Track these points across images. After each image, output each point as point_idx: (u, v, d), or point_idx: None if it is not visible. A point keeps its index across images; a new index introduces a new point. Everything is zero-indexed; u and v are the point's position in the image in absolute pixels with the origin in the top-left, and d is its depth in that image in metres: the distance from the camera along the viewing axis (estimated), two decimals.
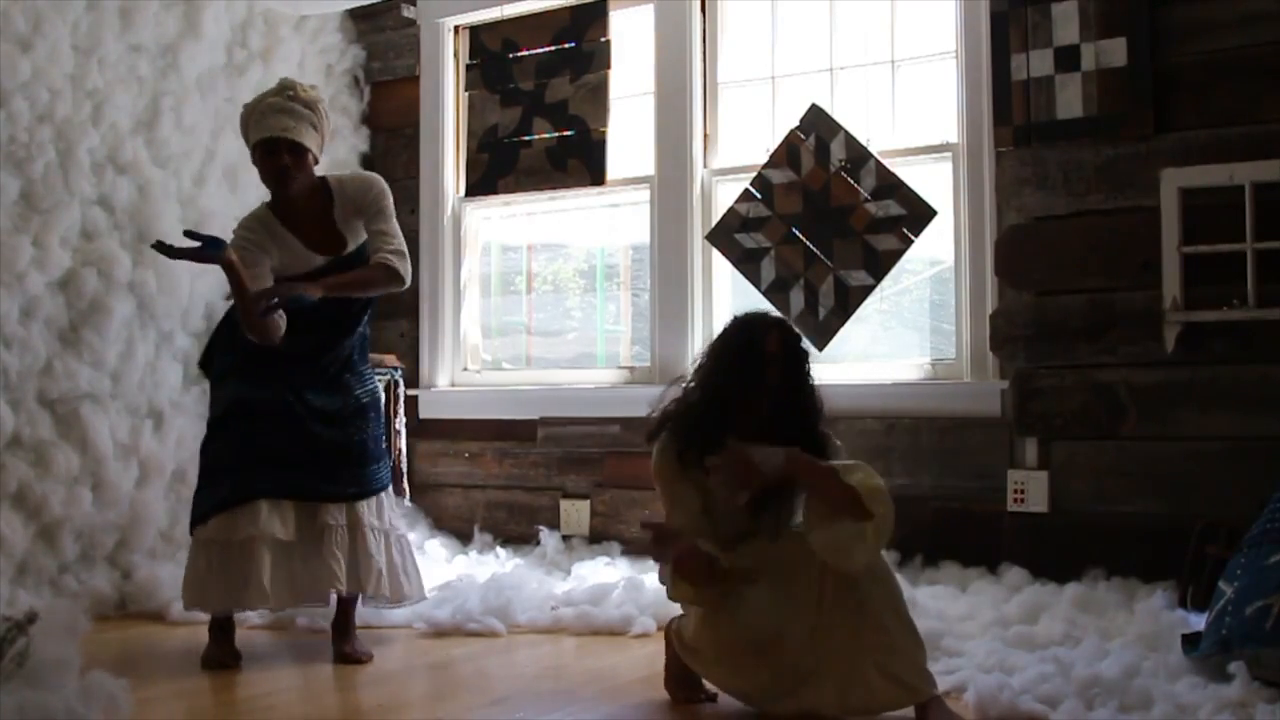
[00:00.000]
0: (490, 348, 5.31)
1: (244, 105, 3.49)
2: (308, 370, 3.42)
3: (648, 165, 4.77)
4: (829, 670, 2.63)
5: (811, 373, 2.81)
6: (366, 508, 3.44)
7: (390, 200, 3.47)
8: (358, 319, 3.50)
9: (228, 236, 4.71)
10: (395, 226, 3.46)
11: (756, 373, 2.75)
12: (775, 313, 2.98)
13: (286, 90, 3.38)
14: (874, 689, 2.60)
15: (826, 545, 2.58)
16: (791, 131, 4.38)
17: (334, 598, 3.42)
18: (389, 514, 3.53)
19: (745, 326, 2.82)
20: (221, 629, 3.37)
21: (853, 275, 4.24)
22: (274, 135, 3.33)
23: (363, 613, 3.57)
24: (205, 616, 3.83)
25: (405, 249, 3.43)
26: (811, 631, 2.65)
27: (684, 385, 2.87)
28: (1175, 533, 3.52)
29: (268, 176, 3.41)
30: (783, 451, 2.62)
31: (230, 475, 3.34)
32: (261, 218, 3.47)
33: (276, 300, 3.23)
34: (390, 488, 3.58)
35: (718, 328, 4.53)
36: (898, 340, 4.54)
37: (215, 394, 3.55)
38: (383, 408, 3.69)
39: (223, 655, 3.32)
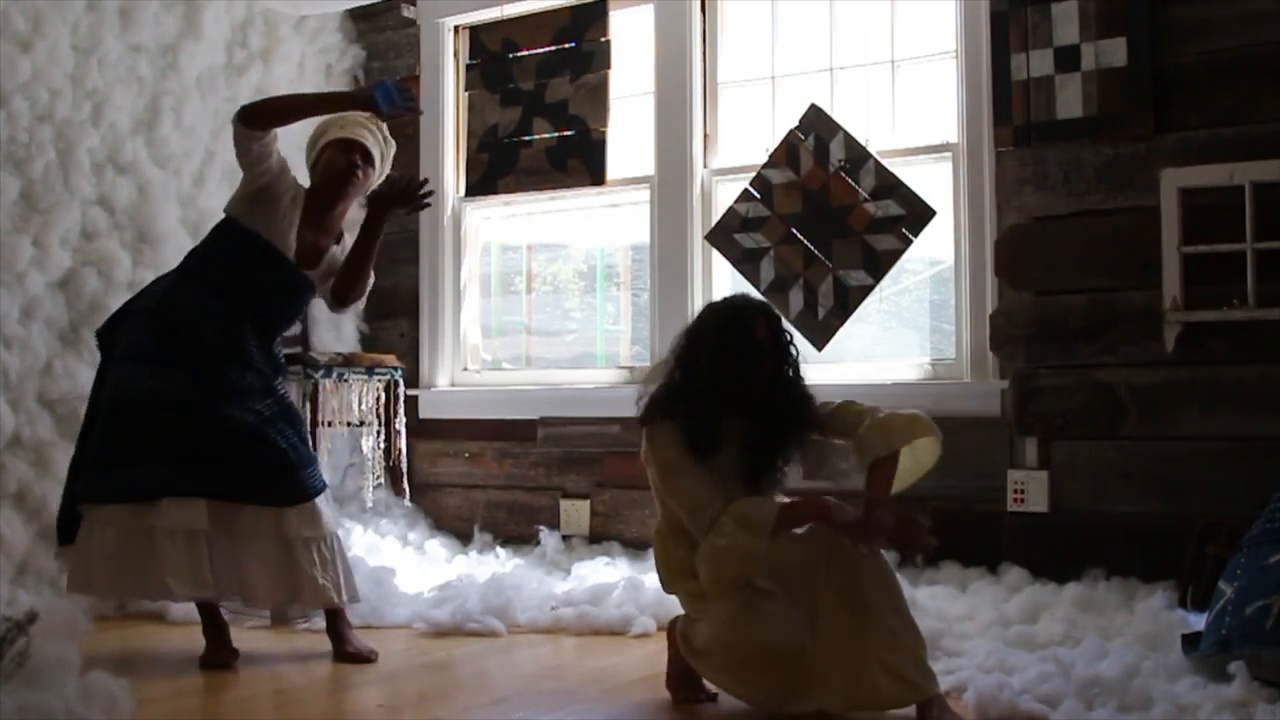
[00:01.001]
0: (490, 348, 5.31)
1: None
2: (220, 370, 3.29)
3: (648, 165, 4.77)
4: (834, 669, 2.63)
5: (797, 354, 2.83)
6: (296, 516, 3.28)
7: None
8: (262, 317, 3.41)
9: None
10: None
11: (752, 361, 2.76)
12: (754, 295, 2.97)
13: (372, 121, 3.43)
14: (879, 687, 2.61)
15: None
16: (791, 131, 4.38)
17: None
18: (326, 520, 3.36)
19: (734, 313, 2.82)
20: (216, 628, 3.36)
21: (852, 275, 4.24)
22: (356, 138, 3.37)
23: (363, 613, 3.56)
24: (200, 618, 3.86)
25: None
26: (815, 632, 2.65)
27: (668, 370, 2.85)
28: (1175, 533, 3.52)
29: (334, 171, 3.37)
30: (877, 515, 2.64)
31: (134, 467, 3.19)
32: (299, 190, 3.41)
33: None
34: (326, 492, 3.41)
35: None
36: (898, 340, 4.54)
37: (119, 371, 3.33)
38: (296, 412, 3.52)
39: (221, 655, 3.32)
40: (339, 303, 3.50)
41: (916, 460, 2.85)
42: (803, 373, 2.84)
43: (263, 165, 3.29)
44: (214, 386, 3.26)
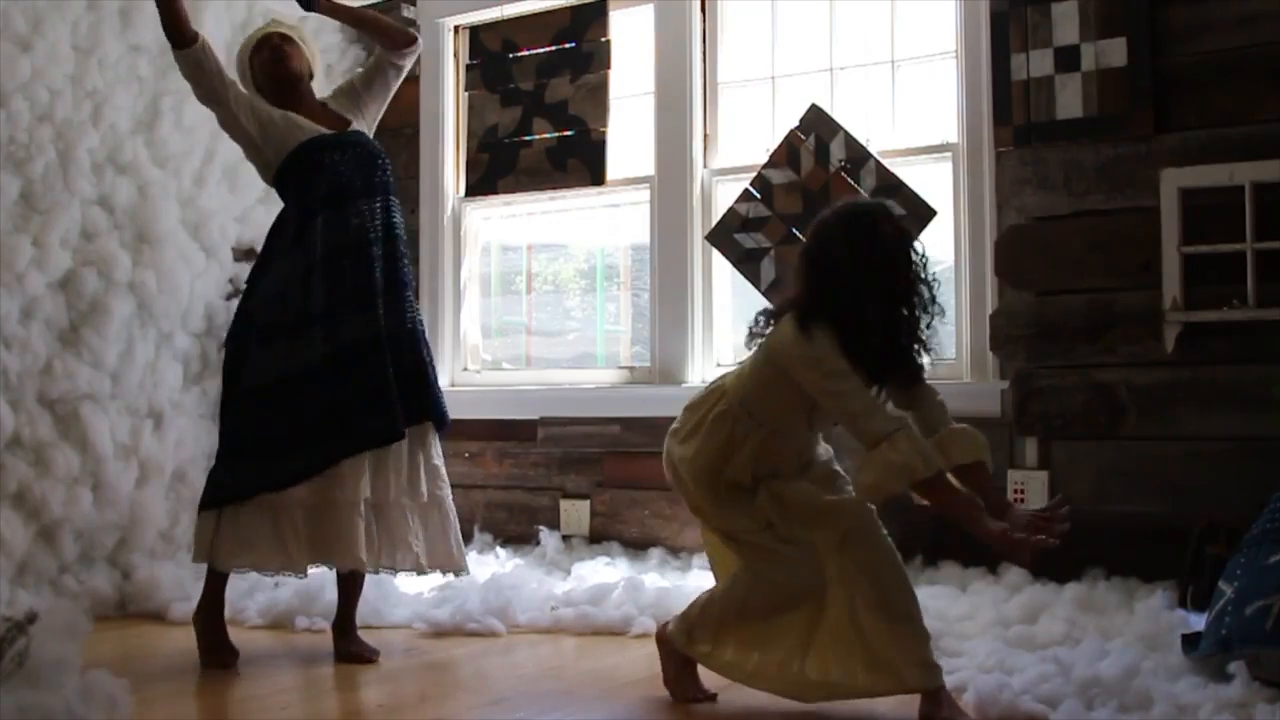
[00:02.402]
0: (490, 348, 5.31)
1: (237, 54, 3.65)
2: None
3: (648, 165, 4.77)
4: (825, 649, 2.74)
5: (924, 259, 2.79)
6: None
7: None
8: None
9: (229, 237, 4.76)
10: None
11: (886, 259, 2.70)
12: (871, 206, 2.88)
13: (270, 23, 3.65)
14: (857, 674, 2.70)
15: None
16: (791, 131, 4.38)
17: (335, 599, 3.43)
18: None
19: (858, 214, 2.76)
20: (215, 630, 3.35)
21: None
22: (264, 34, 3.57)
23: (363, 613, 3.57)
24: None
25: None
26: (817, 605, 2.76)
27: (803, 278, 2.77)
28: (1175, 533, 3.52)
29: (265, 68, 3.53)
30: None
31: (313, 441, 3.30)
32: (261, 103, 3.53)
33: None
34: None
35: (718, 327, 4.61)
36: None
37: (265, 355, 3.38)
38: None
39: (222, 655, 3.31)
40: (395, 53, 3.64)
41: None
42: (929, 286, 2.78)
43: (209, 75, 3.45)
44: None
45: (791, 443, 2.85)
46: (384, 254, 3.44)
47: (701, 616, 2.87)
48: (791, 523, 2.80)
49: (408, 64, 3.68)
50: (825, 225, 2.78)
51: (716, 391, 2.88)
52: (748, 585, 2.81)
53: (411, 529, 3.41)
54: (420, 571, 3.47)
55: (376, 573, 3.46)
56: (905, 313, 2.74)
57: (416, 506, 3.44)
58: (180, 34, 3.44)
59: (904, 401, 2.82)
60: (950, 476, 2.67)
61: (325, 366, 3.32)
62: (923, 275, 2.76)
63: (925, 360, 2.84)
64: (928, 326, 2.78)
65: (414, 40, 3.66)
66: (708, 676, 2.91)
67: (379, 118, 3.70)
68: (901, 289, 2.73)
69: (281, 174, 3.47)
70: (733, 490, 2.82)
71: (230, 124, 3.47)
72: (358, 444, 3.30)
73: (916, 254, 2.76)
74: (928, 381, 2.87)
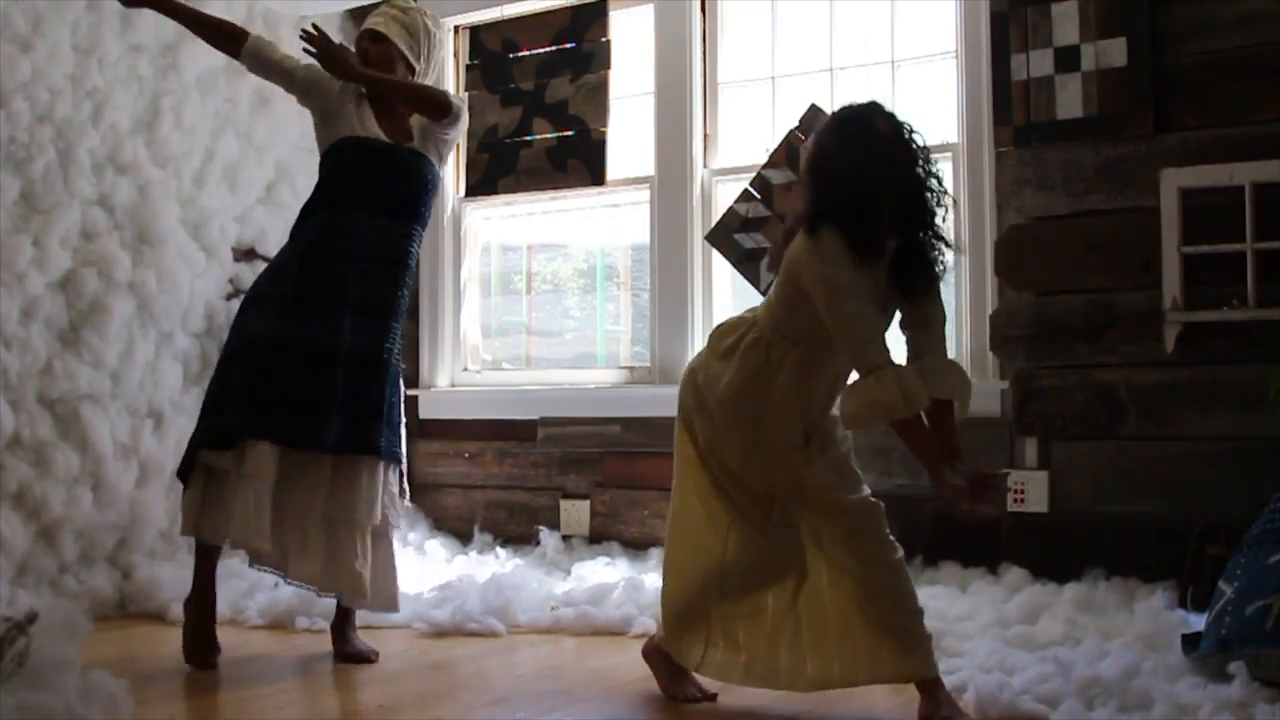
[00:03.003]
0: (490, 348, 5.31)
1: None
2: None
3: (648, 165, 4.77)
4: (824, 640, 2.78)
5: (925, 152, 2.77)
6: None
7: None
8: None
9: (229, 237, 4.76)
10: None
11: (884, 155, 2.69)
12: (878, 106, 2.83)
13: (397, 2, 3.53)
14: (858, 665, 2.75)
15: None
16: (791, 132, 4.38)
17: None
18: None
19: (850, 116, 2.76)
20: (202, 623, 3.33)
21: None
22: (365, 28, 3.50)
23: (362, 613, 3.57)
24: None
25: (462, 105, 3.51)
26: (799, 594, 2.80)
27: (808, 188, 2.77)
28: (1175, 533, 3.52)
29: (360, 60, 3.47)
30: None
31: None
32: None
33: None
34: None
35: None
36: (897, 340, 4.53)
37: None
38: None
39: (206, 653, 3.29)
40: (439, 120, 3.44)
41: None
42: (938, 180, 2.76)
43: (285, 66, 3.48)
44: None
45: (828, 366, 2.78)
46: (384, 277, 3.39)
47: (684, 612, 2.86)
48: (797, 503, 2.80)
49: (453, 135, 3.51)
50: (822, 132, 2.80)
51: (746, 322, 2.85)
52: (726, 560, 2.80)
53: (359, 554, 3.32)
54: (358, 601, 3.39)
55: (319, 595, 3.41)
56: (914, 206, 2.71)
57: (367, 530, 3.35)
58: (226, 49, 3.50)
59: (919, 319, 2.78)
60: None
61: (275, 345, 3.29)
62: (927, 167, 2.73)
63: (945, 257, 2.79)
64: (941, 219, 2.76)
65: (450, 109, 3.42)
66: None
67: (445, 161, 3.60)
68: (906, 181, 2.70)
69: (322, 158, 3.49)
70: (761, 443, 2.79)
71: (302, 105, 3.54)
72: (278, 435, 3.24)
73: (916, 146, 2.73)
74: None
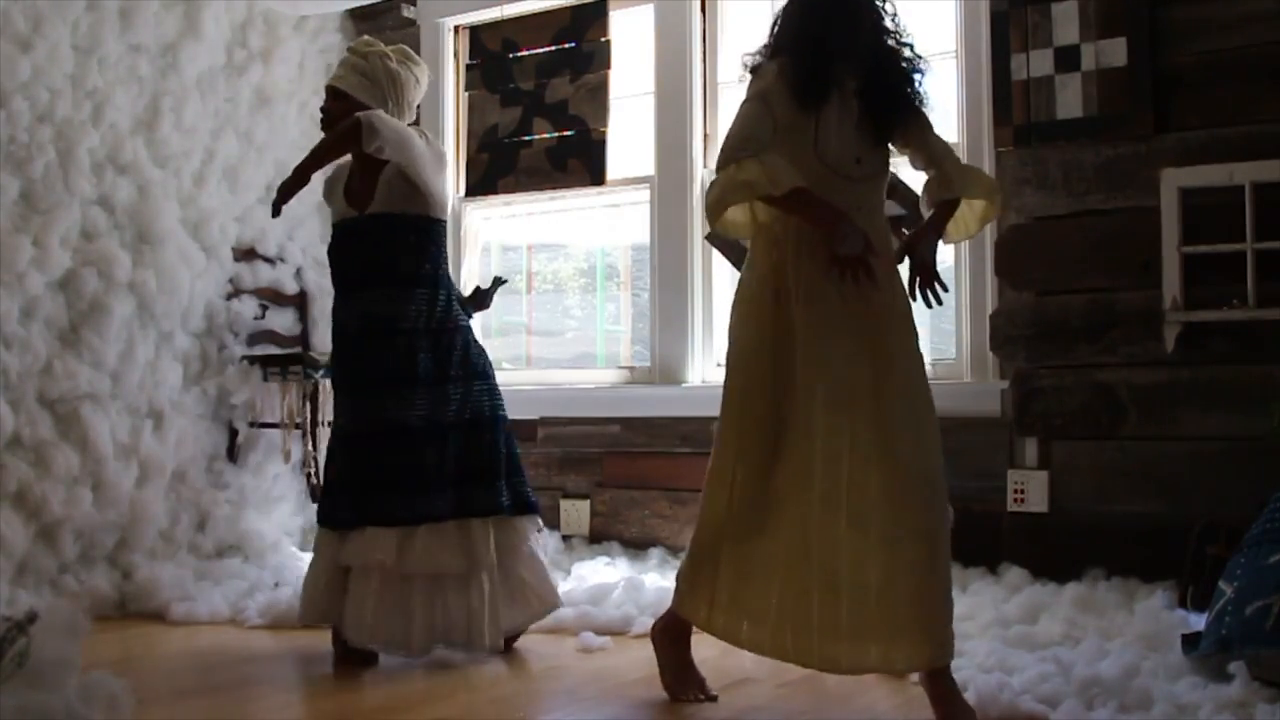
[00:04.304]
0: (490, 347, 5.27)
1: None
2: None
3: (648, 165, 4.77)
4: (839, 617, 2.61)
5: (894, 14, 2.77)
6: None
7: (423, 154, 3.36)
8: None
9: (229, 237, 4.76)
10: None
11: (852, 10, 2.70)
12: None
13: (357, 49, 3.48)
14: (869, 650, 2.61)
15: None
16: None
17: None
18: None
19: None
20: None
21: None
22: (327, 84, 3.49)
23: None
24: (200, 618, 3.92)
25: (403, 138, 3.27)
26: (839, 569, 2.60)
27: (763, 47, 2.82)
28: (1175, 533, 3.52)
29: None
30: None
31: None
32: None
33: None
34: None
35: (718, 327, 4.60)
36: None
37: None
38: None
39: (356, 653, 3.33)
40: (365, 147, 3.22)
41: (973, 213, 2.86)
42: (912, 48, 2.77)
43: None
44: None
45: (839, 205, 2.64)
46: (367, 348, 3.36)
47: (692, 569, 2.80)
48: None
49: (394, 153, 3.26)
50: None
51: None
52: (731, 508, 2.72)
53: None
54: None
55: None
56: (880, 33, 2.73)
57: None
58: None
59: (920, 153, 2.79)
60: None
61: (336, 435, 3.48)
62: (892, 20, 2.76)
63: (921, 89, 2.79)
64: (913, 54, 2.77)
65: (358, 131, 3.20)
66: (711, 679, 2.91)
67: (428, 188, 3.37)
68: (865, 13, 2.72)
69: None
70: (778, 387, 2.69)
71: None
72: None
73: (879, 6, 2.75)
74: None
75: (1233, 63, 3.70)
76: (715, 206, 2.63)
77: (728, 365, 2.82)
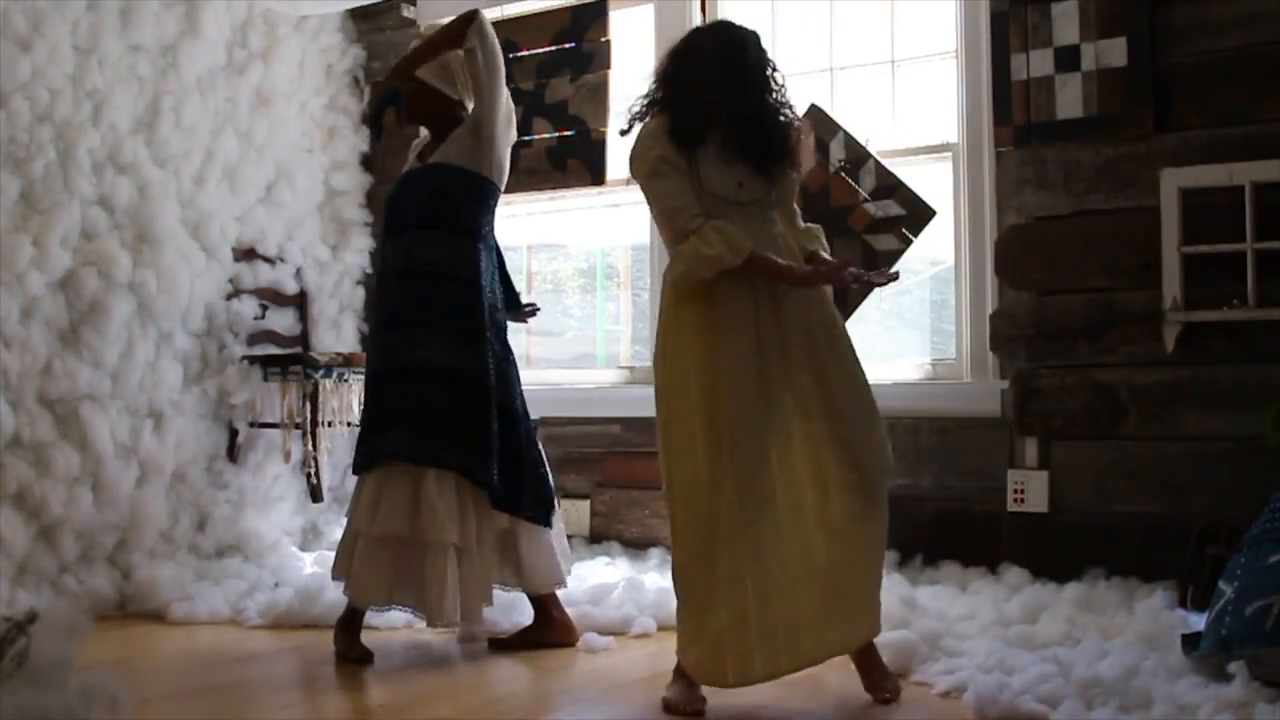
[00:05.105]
0: None
1: None
2: None
3: None
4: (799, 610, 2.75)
5: (781, 80, 2.91)
6: None
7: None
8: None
9: (229, 237, 4.77)
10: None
11: (741, 72, 2.85)
12: (733, 20, 3.05)
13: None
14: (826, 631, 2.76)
15: None
16: None
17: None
18: None
19: (722, 30, 2.94)
20: (349, 626, 3.41)
21: None
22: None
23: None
24: (200, 618, 3.88)
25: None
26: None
27: (649, 88, 2.94)
28: (1175, 533, 3.52)
29: None
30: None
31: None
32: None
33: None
34: None
35: None
36: (898, 340, 4.54)
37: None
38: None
39: (356, 652, 3.36)
40: (461, 45, 3.45)
41: None
42: (791, 109, 2.92)
43: None
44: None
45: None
46: (399, 289, 3.46)
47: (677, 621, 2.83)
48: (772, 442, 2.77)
49: (474, 43, 3.40)
50: (675, 44, 2.97)
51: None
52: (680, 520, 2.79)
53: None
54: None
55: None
56: (755, 86, 2.85)
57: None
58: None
59: (783, 192, 2.94)
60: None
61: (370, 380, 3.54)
62: (768, 60, 2.90)
63: (793, 128, 2.91)
64: (779, 102, 2.89)
65: (464, 28, 3.42)
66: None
67: (491, 120, 3.47)
68: (746, 63, 2.85)
69: None
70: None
71: None
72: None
73: (757, 45, 2.90)
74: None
75: (1233, 63, 3.70)
76: (685, 280, 2.78)
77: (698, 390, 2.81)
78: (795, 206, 3.02)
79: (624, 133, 2.98)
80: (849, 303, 4.17)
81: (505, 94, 3.49)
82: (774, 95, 2.88)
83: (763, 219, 2.87)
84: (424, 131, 3.68)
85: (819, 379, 2.83)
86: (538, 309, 3.91)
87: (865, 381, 2.91)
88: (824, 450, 2.79)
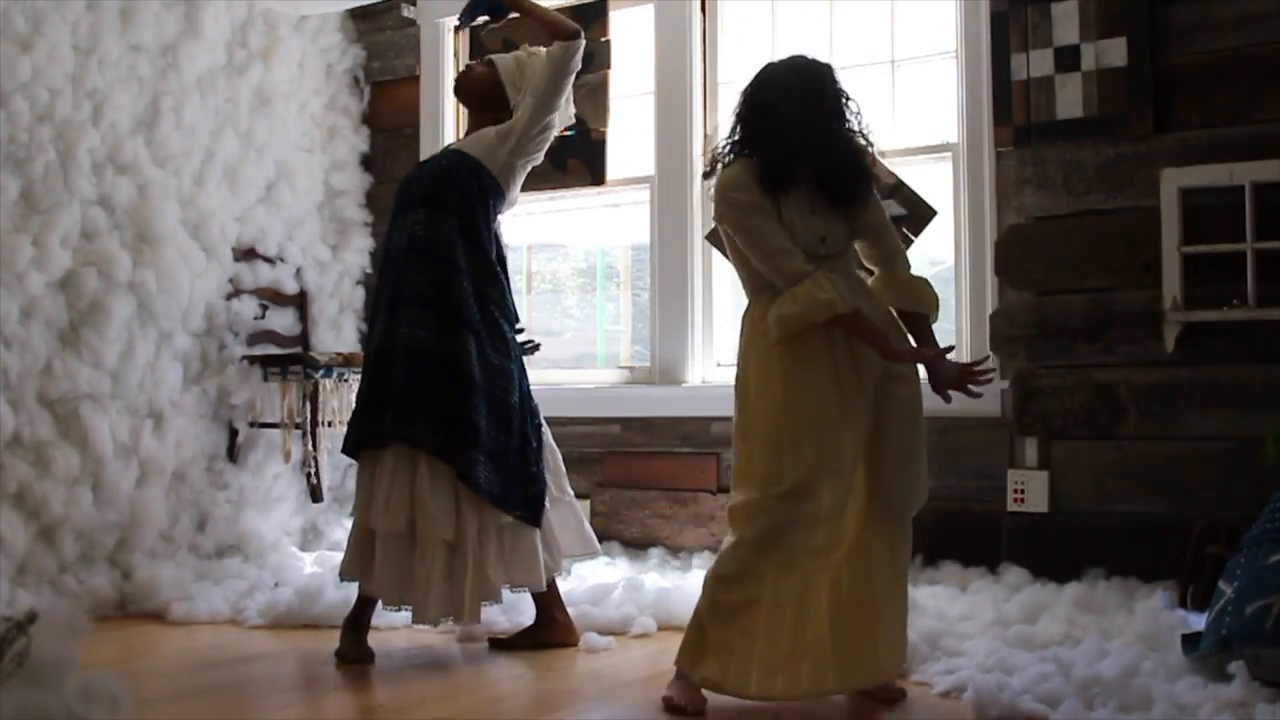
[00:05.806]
0: None
1: None
2: None
3: (648, 165, 4.77)
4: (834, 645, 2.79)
5: (856, 108, 2.89)
6: None
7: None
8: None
9: (229, 237, 4.77)
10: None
11: (822, 116, 2.82)
12: (805, 55, 2.97)
13: (526, 47, 3.74)
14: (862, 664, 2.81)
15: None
16: None
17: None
18: None
19: (809, 70, 2.87)
20: (357, 624, 3.41)
21: None
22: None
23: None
24: (200, 618, 3.88)
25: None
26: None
27: (730, 128, 2.91)
28: (1175, 533, 3.52)
29: None
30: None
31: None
32: None
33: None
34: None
35: (718, 327, 4.61)
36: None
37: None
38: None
39: (358, 652, 3.35)
40: (562, 46, 3.53)
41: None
42: (865, 135, 2.89)
43: None
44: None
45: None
46: (403, 267, 3.45)
47: (690, 630, 2.82)
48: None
49: (566, 52, 3.51)
50: (751, 81, 2.94)
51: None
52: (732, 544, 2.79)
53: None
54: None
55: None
56: (835, 125, 2.84)
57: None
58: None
59: (868, 230, 2.88)
60: (895, 313, 2.86)
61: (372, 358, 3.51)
62: (843, 92, 2.88)
63: (867, 155, 2.90)
64: (864, 139, 2.88)
65: (577, 33, 3.53)
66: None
67: (523, 130, 3.55)
68: (825, 103, 2.83)
69: None
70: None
71: None
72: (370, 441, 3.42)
73: (833, 79, 2.86)
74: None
75: (1233, 63, 3.70)
76: (797, 321, 2.71)
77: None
78: (897, 240, 2.95)
79: (707, 175, 2.97)
80: None
81: (552, 117, 3.56)
82: (851, 128, 2.86)
83: (845, 272, 2.84)
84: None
85: (880, 424, 2.84)
86: (538, 346, 3.88)
87: (921, 428, 2.91)
88: (862, 482, 2.84)
